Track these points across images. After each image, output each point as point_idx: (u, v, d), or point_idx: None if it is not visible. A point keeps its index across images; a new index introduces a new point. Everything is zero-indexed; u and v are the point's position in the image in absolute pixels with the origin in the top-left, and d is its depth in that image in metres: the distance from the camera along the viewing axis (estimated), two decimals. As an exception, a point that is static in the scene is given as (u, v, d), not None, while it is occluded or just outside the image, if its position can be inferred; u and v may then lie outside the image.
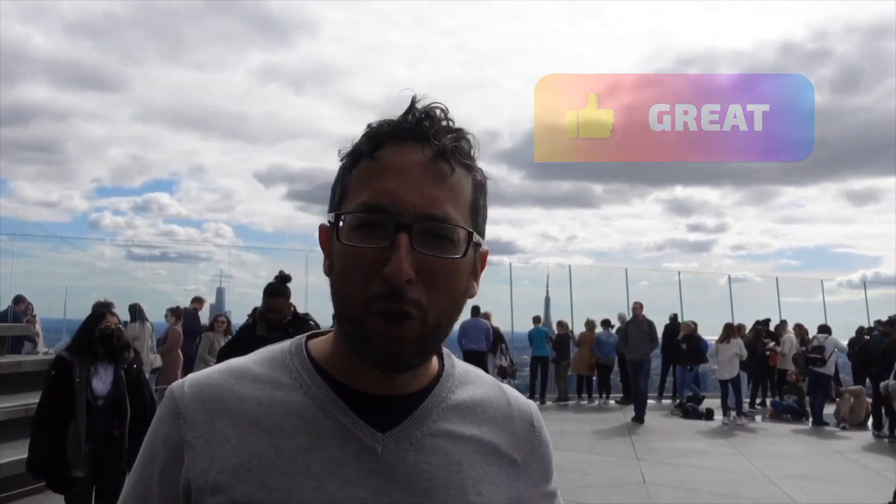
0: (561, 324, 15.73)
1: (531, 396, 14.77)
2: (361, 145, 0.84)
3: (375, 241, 0.79)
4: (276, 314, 4.59)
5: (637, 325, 12.61)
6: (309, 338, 0.93)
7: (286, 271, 4.76)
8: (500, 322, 15.79)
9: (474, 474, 0.86)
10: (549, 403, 14.71)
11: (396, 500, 0.82)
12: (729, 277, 20.18)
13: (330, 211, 0.86)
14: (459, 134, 0.85)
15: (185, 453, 0.83)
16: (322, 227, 0.89)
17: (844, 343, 13.70)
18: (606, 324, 14.96)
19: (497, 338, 14.58)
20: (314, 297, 17.56)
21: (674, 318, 15.47)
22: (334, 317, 0.87)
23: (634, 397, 12.56)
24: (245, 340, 4.69)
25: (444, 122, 0.84)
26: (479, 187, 0.87)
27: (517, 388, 12.25)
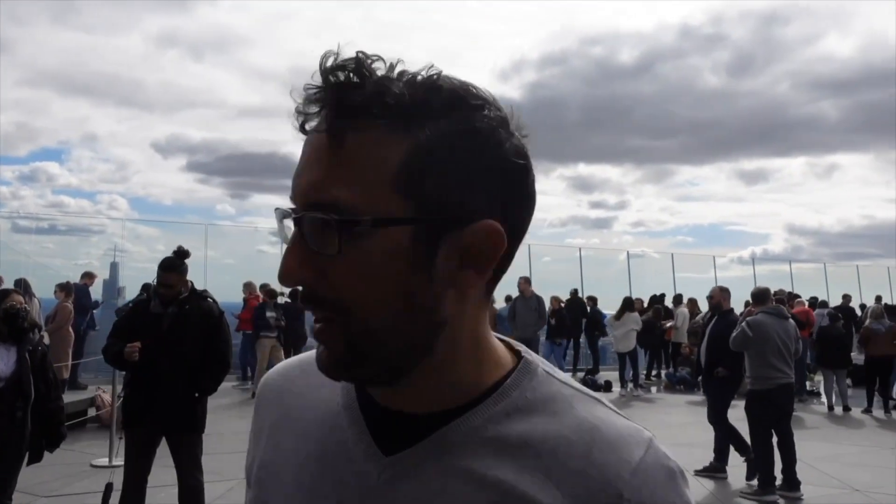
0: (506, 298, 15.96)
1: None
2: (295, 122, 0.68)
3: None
4: (169, 290, 4.45)
5: (525, 301, 12.22)
6: None
7: (185, 246, 4.61)
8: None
9: None
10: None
11: None
12: (628, 254, 20.89)
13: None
14: (378, 85, 0.64)
15: (252, 439, 0.84)
16: None
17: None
18: (509, 300, 15.21)
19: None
20: (214, 272, 17.17)
21: (574, 293, 15.88)
22: None
23: None
24: (139, 315, 4.53)
25: (357, 74, 0.64)
26: (431, 144, 0.64)
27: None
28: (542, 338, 13.98)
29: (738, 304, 15.76)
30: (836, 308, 15.86)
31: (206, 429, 4.61)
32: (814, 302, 15.65)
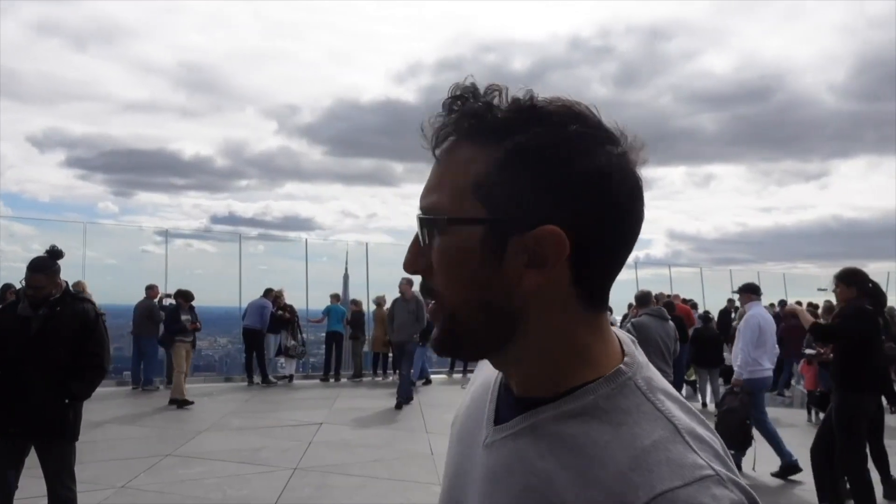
0: (355, 302, 16.03)
1: (326, 373, 14.92)
2: None
3: None
4: (38, 291, 4.23)
5: (404, 303, 11.53)
6: None
7: (64, 245, 4.42)
8: (296, 300, 15.67)
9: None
10: (343, 380, 14.81)
11: (477, 487, 0.83)
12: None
13: None
14: (473, 109, 0.76)
15: None
16: None
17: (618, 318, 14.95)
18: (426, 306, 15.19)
19: (285, 318, 14.49)
20: (93, 272, 16.41)
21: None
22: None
23: (400, 382, 11.47)
24: (5, 318, 4.29)
25: (465, 101, 0.77)
26: (507, 158, 0.74)
27: (313, 365, 12.09)
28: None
29: (620, 307, 16.41)
30: (720, 311, 16.82)
31: (80, 436, 4.40)
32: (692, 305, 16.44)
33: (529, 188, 0.73)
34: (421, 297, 11.12)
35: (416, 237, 0.80)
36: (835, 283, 5.75)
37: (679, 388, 12.47)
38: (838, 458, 5.61)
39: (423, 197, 0.79)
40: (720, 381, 12.34)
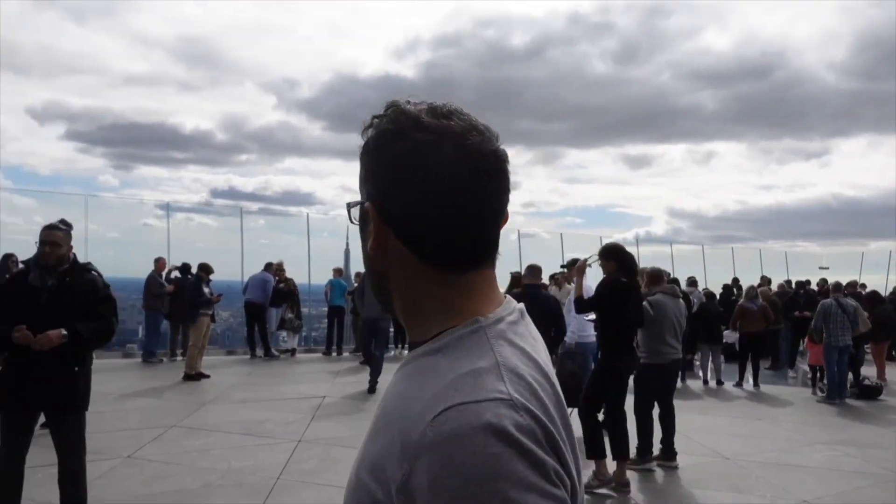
0: (359, 275, 15.86)
1: (328, 347, 14.97)
2: None
3: None
4: (53, 248, 4.17)
5: None
6: None
7: (65, 218, 4.39)
8: (297, 274, 15.68)
9: (377, 426, 0.90)
10: (346, 354, 14.85)
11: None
12: (518, 233, 21.20)
13: None
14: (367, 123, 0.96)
15: None
16: None
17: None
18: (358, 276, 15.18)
19: (287, 292, 14.52)
20: (96, 246, 16.41)
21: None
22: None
23: (374, 364, 10.59)
24: (15, 288, 4.26)
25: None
26: (366, 154, 0.95)
27: (314, 340, 12.06)
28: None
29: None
30: (724, 287, 16.83)
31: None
32: (693, 282, 16.43)
33: (362, 176, 0.96)
34: None
35: None
36: (597, 257, 6.40)
37: (686, 365, 12.61)
38: (610, 414, 6.32)
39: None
40: (721, 358, 12.38)
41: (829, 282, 15.28)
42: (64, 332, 4.07)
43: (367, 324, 11.20)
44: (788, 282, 17.49)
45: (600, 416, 6.32)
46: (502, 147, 0.94)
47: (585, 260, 6.70)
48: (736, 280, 18.22)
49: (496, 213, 0.93)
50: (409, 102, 0.93)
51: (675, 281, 11.44)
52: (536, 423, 0.77)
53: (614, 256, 6.30)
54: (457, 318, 0.89)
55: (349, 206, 0.98)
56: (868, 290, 15.82)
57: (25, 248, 10.30)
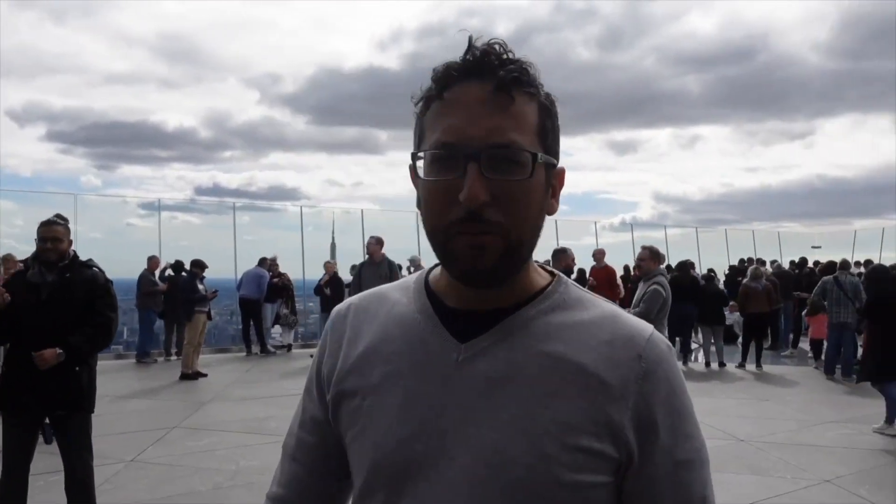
0: (353, 267, 15.69)
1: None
2: (431, 89, 0.92)
3: (450, 173, 0.87)
4: (55, 243, 4.01)
5: (374, 266, 9.56)
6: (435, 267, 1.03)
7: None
8: (288, 269, 15.48)
9: (546, 388, 0.90)
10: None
11: (462, 401, 0.91)
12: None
13: (413, 152, 0.95)
14: (519, 64, 0.90)
15: (325, 356, 1.06)
16: (410, 167, 0.96)
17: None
18: (399, 268, 15.04)
19: (282, 287, 14.35)
20: (80, 246, 16.11)
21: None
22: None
23: None
24: (14, 285, 4.09)
25: (504, 56, 0.90)
26: (545, 110, 0.92)
27: (302, 336, 11.88)
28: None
29: (618, 267, 16.35)
30: (730, 268, 16.85)
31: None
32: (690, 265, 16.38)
33: (556, 134, 0.95)
34: (391, 260, 9.89)
35: (472, 171, 0.85)
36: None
37: (688, 347, 12.58)
38: None
39: (495, 133, 0.87)
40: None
41: (821, 261, 15.32)
42: (59, 350, 3.93)
43: None
44: (799, 261, 17.53)
45: None
46: None
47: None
48: (742, 261, 18.14)
49: None
50: (500, 44, 0.91)
51: (684, 265, 11.39)
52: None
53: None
54: (540, 276, 0.99)
55: (534, 155, 0.89)
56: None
57: (5, 250, 10.10)
